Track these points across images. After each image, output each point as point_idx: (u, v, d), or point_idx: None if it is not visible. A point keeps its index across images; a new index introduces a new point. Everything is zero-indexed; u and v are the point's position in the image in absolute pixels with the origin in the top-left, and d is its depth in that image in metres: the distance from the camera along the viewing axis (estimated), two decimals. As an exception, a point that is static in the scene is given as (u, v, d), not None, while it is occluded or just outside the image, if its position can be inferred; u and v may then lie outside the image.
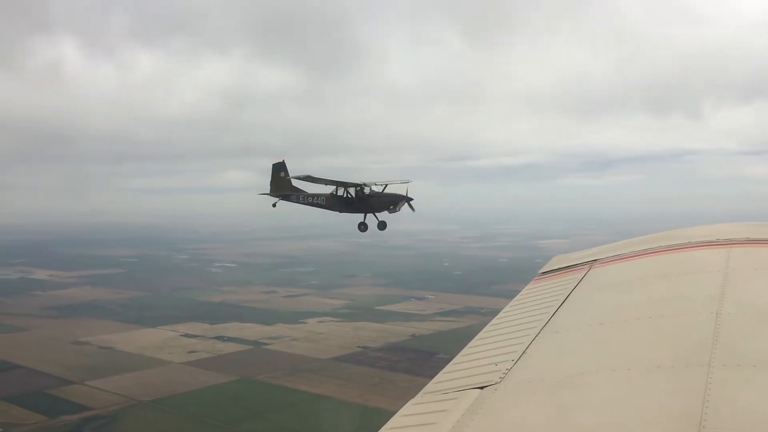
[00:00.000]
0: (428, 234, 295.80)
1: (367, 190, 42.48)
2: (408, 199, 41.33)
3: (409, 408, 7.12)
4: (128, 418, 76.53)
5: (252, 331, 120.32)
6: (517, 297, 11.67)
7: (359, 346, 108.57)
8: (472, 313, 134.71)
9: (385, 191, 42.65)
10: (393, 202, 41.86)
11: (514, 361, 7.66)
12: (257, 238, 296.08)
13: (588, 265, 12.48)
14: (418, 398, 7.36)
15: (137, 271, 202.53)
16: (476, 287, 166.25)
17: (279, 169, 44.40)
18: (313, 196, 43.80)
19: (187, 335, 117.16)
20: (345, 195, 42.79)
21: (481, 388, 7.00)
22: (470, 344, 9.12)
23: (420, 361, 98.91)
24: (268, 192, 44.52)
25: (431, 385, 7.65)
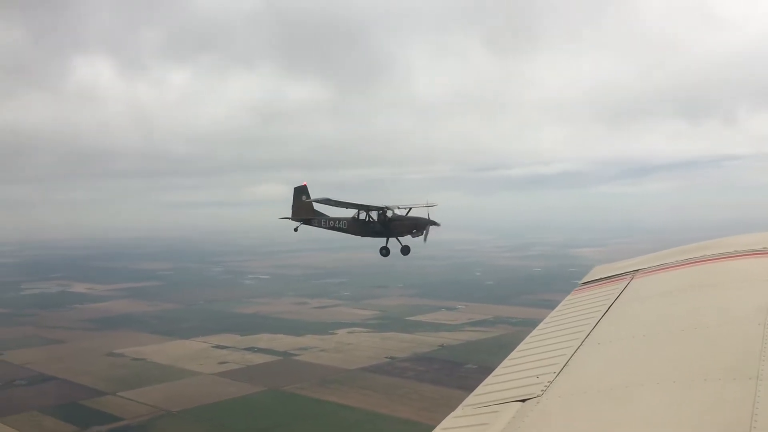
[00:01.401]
0: (462, 244, 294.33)
1: (389, 214, 41.08)
2: (432, 223, 39.93)
3: (449, 421, 7.03)
4: (156, 429, 77.72)
5: (282, 342, 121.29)
6: (558, 308, 11.59)
7: (387, 357, 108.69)
8: (503, 323, 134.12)
9: (408, 214, 41.13)
10: (416, 226, 40.42)
11: (556, 374, 7.55)
12: (291, 250, 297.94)
13: (630, 275, 12.36)
14: (458, 411, 7.27)
15: (172, 283, 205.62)
16: (508, 297, 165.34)
17: (300, 192, 43.43)
18: (335, 220, 42.89)
19: (218, 347, 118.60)
20: (367, 219, 41.64)
21: (523, 401, 6.91)
22: (510, 356, 9.05)
23: (447, 371, 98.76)
24: (290, 216, 43.79)
25: (471, 398, 7.57)
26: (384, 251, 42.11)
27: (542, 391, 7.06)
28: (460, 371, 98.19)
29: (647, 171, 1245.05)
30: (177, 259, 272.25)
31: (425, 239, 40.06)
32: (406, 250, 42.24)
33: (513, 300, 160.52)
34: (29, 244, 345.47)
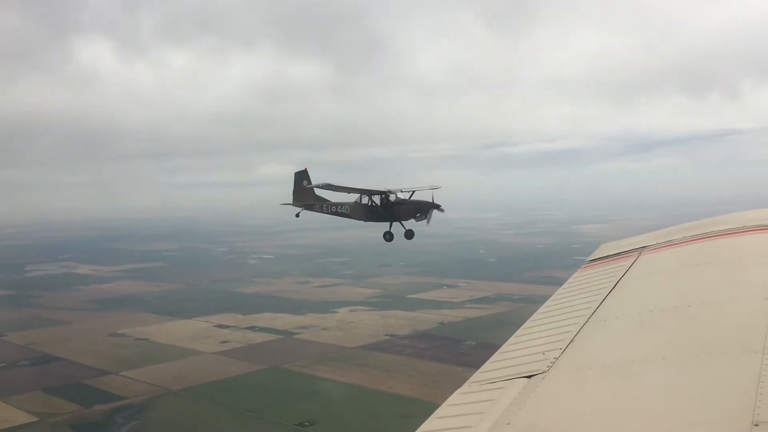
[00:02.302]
0: (466, 222, 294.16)
1: (392, 198, 40.25)
2: (436, 206, 39.16)
3: (456, 397, 7.07)
4: (158, 407, 78.80)
5: (283, 321, 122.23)
6: (565, 285, 11.62)
7: (387, 335, 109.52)
8: (503, 299, 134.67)
9: (412, 197, 40.34)
10: (419, 210, 39.58)
11: (562, 350, 7.58)
12: (296, 229, 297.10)
13: (637, 252, 12.38)
14: (465, 387, 7.29)
15: (177, 264, 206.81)
16: (510, 274, 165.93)
17: (301, 177, 42.53)
18: (337, 205, 42.16)
19: (220, 326, 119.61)
20: (369, 203, 40.79)
21: (529, 377, 6.94)
22: (517, 333, 9.06)
23: (446, 348, 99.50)
24: (291, 201, 42.96)
25: (478, 375, 7.61)
26: (388, 236, 41.61)
27: (548, 367, 7.09)
28: (460, 348, 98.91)
29: (651, 146, 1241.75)
30: (183, 239, 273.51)
31: (428, 222, 39.27)
32: (409, 234, 41.71)
33: (515, 277, 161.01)
34: (36, 226, 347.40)
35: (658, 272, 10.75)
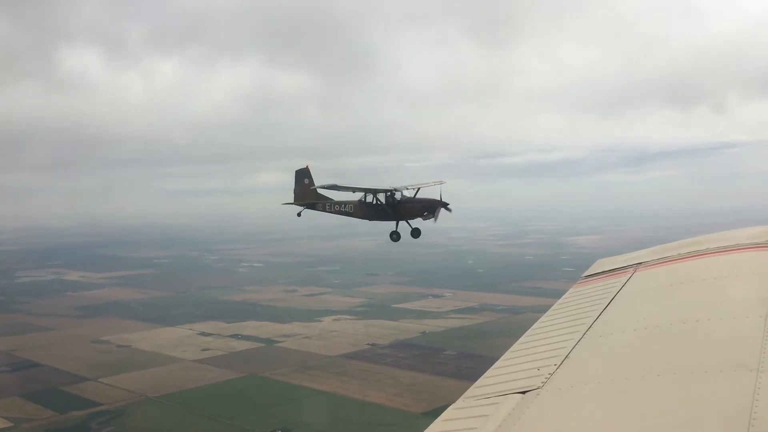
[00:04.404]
0: (459, 231, 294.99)
1: (398, 196, 38.80)
2: (443, 204, 37.74)
3: (450, 412, 7.05)
4: (133, 413, 79.33)
5: (267, 329, 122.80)
6: (560, 301, 11.65)
7: (368, 344, 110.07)
8: (487, 310, 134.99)
9: (417, 195, 38.89)
10: (427, 208, 38.03)
11: (557, 366, 7.57)
12: (289, 238, 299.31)
13: (632, 269, 12.37)
14: (459, 403, 7.27)
15: (167, 271, 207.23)
16: (496, 285, 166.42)
17: (302, 175, 40.91)
18: (340, 204, 40.49)
19: (203, 333, 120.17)
20: (374, 202, 39.27)
21: (523, 392, 6.93)
22: (512, 348, 9.08)
23: (425, 357, 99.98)
24: (292, 201, 41.26)
25: (472, 390, 7.58)
26: (395, 236, 39.83)
27: (543, 383, 7.09)
28: (438, 357, 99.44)
29: (648, 159, 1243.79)
30: (175, 246, 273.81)
31: (436, 220, 37.86)
32: (416, 232, 40.14)
33: (500, 287, 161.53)
34: (29, 232, 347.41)
35: (654, 289, 10.78)
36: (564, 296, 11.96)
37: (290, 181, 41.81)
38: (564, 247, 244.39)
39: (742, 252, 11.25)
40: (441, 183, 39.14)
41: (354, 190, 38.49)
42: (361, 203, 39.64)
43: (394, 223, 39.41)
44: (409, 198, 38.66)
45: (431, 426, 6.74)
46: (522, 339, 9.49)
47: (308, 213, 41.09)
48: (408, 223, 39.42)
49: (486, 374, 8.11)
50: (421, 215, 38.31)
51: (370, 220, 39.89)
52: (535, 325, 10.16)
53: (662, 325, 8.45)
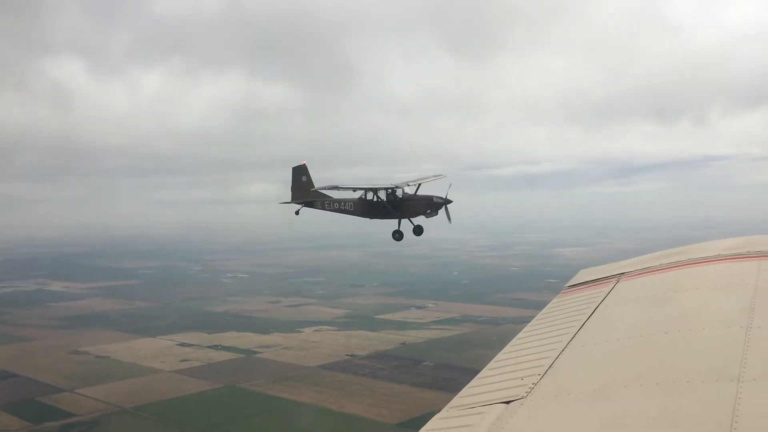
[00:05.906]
0: (446, 243, 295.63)
1: (399, 193, 38.08)
2: (447, 201, 37.05)
3: (434, 423, 7.07)
4: (108, 424, 79.13)
5: (247, 340, 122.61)
6: (544, 311, 11.70)
7: (348, 354, 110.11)
8: (469, 321, 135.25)
9: (418, 191, 38.34)
10: (430, 205, 37.26)
11: (540, 376, 7.64)
12: (275, 248, 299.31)
13: (615, 279, 12.43)
14: (443, 413, 7.31)
15: (151, 282, 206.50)
16: (480, 296, 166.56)
17: (300, 172, 39.88)
18: (340, 201, 39.52)
19: (183, 344, 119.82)
20: (375, 199, 38.44)
21: (507, 402, 6.98)
22: (496, 358, 9.13)
23: (404, 368, 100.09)
24: (289, 200, 40.11)
25: (456, 400, 7.60)
26: (397, 235, 38.74)
27: (527, 392, 7.15)
28: (417, 368, 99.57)
29: (635, 171, 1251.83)
30: (161, 257, 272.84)
31: (449, 219, 37.19)
32: (419, 230, 39.19)
33: (484, 299, 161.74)
34: (15, 242, 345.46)
35: (636, 299, 10.81)
36: (547, 306, 12.07)
37: (279, 190, 41.26)
38: (549, 259, 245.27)
39: (724, 262, 11.37)
40: (441, 177, 39.18)
41: (355, 189, 37.97)
42: (362, 201, 38.88)
43: (396, 221, 38.57)
44: (411, 195, 38.05)
45: None
46: (506, 349, 9.58)
47: (306, 212, 40.17)
48: (410, 220, 38.63)
49: (470, 384, 8.18)
50: (423, 213, 37.66)
51: (370, 218, 39.05)
52: (519, 335, 10.26)
53: (645, 334, 8.53)
